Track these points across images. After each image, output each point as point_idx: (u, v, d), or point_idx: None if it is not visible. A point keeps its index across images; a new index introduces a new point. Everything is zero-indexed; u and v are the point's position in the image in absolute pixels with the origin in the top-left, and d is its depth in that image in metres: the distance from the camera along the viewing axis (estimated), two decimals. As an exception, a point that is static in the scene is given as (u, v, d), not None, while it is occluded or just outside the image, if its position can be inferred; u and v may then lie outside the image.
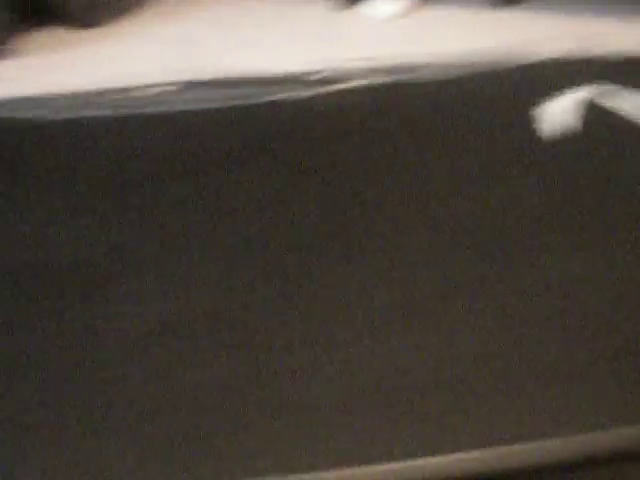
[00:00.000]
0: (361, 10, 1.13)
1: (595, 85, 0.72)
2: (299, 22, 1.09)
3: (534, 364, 0.47)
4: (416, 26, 1.07)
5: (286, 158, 0.65)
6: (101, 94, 0.75)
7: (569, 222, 0.57)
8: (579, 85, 0.72)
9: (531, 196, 0.60)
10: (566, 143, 0.65)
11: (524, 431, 0.44)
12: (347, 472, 0.42)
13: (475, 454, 0.43)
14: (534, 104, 0.70)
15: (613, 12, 1.08)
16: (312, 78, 0.75)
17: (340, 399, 0.45)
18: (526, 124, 0.68)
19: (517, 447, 0.44)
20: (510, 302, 0.52)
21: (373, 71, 0.75)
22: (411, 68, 0.75)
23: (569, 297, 0.52)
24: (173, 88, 0.75)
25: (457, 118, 0.69)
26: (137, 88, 0.75)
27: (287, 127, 0.69)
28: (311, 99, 0.73)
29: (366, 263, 0.54)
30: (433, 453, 0.43)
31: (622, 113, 0.68)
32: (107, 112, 0.72)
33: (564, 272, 0.53)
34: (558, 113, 0.68)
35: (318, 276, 0.53)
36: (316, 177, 0.63)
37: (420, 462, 0.43)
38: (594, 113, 0.69)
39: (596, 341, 0.49)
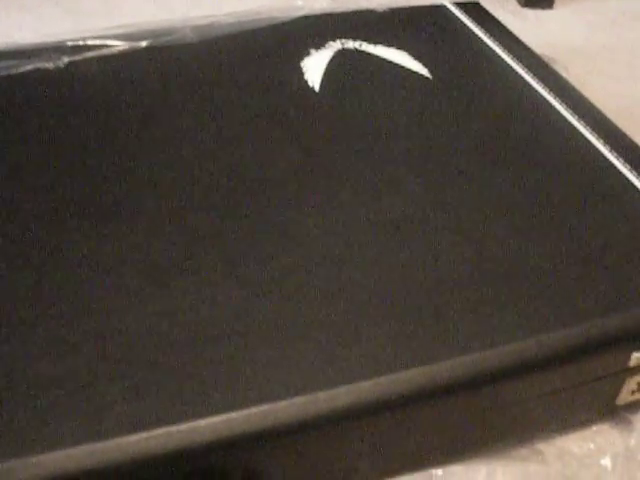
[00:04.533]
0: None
1: (353, 37, 0.74)
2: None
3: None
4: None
5: (45, 128, 0.62)
6: None
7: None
8: (338, 38, 0.73)
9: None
10: (337, 90, 0.67)
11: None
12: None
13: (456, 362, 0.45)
14: (301, 57, 0.70)
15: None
16: (69, 45, 0.72)
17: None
18: (297, 76, 0.68)
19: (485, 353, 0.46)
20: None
21: (132, 36, 0.73)
22: (171, 30, 0.73)
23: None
24: None
25: (225, 75, 0.68)
26: None
27: (45, 96, 0.66)
28: (68, 67, 0.70)
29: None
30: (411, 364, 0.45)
31: (382, 58, 0.71)
32: None
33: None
34: (322, 64, 0.69)
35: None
36: (80, 147, 0.60)
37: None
38: (357, 61, 0.71)
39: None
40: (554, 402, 0.51)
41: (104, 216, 0.53)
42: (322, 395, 0.43)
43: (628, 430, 0.53)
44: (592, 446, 0.52)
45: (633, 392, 0.52)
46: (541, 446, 0.52)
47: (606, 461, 0.51)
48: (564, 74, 0.75)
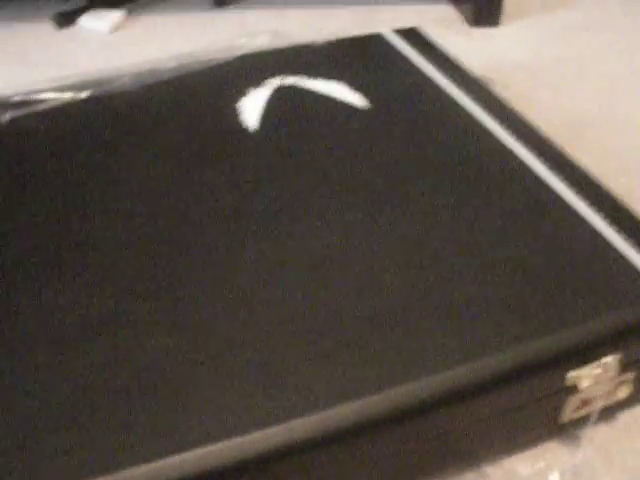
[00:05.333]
0: (82, 25, 1.10)
1: (291, 73, 0.75)
2: (12, 43, 1.05)
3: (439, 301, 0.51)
4: (135, 35, 1.06)
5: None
6: None
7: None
8: (276, 75, 0.74)
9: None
10: (274, 129, 0.68)
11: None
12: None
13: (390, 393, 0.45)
14: (238, 97, 0.71)
15: (306, 4, 1.13)
16: (12, 101, 0.73)
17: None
18: (234, 117, 0.69)
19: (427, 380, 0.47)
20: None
21: (73, 87, 0.74)
22: (112, 79, 0.74)
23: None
24: None
25: (162, 121, 0.69)
26: None
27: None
28: (11, 123, 0.70)
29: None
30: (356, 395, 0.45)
31: (321, 93, 0.72)
32: None
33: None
34: (260, 103, 0.70)
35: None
36: (21, 201, 0.61)
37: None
38: (295, 97, 0.72)
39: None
40: (496, 425, 0.51)
41: (39, 270, 0.54)
42: (256, 435, 0.43)
43: (575, 446, 0.54)
44: (541, 464, 0.53)
45: (577, 409, 0.53)
46: (488, 469, 0.52)
47: (554, 478, 0.52)
48: (504, 94, 0.75)
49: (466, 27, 1.11)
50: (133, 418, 0.44)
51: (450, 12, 1.15)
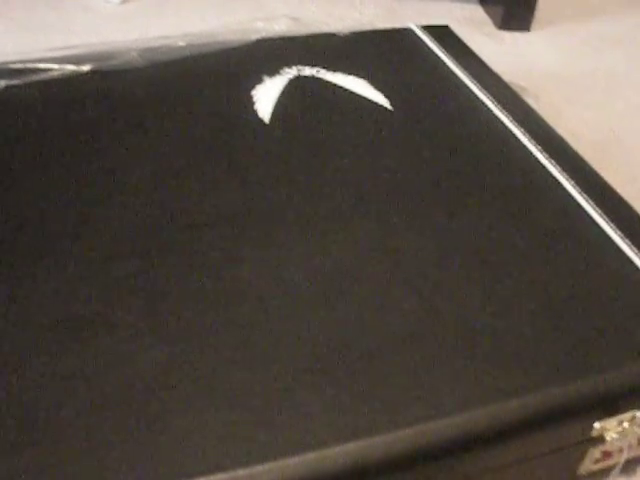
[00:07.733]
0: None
1: (311, 63, 0.69)
2: (16, 5, 0.99)
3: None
4: (146, 8, 1.00)
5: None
6: None
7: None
8: (294, 64, 0.69)
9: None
10: (288, 122, 0.62)
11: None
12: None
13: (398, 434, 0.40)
14: (252, 85, 0.66)
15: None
16: (9, 68, 0.67)
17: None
18: (246, 106, 0.64)
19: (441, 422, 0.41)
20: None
21: (76, 58, 0.68)
22: (118, 53, 0.69)
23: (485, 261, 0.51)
24: None
25: (168, 104, 0.64)
26: None
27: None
28: (5, 91, 0.65)
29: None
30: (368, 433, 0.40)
31: (340, 87, 0.66)
32: None
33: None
34: (274, 93, 0.65)
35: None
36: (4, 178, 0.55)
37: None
38: (312, 90, 0.66)
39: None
40: (511, 474, 0.46)
41: (19, 259, 0.48)
42: (243, 472, 0.38)
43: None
44: (552, 519, 0.48)
45: (597, 461, 0.48)
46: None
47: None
48: (535, 104, 0.71)
49: (494, 30, 1.05)
50: (108, 437, 0.39)
51: (479, 13, 1.10)
